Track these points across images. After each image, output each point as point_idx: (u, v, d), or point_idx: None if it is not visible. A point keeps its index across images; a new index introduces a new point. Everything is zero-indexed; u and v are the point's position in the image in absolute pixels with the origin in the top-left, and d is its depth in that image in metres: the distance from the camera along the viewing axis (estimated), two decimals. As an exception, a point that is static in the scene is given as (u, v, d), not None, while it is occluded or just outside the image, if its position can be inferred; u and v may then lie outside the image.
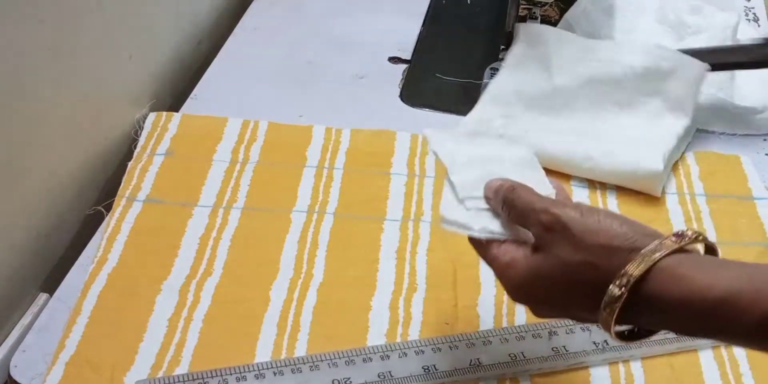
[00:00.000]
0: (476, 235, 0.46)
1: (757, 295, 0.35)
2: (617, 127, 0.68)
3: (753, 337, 0.36)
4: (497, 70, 0.81)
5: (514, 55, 0.72)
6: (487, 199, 0.47)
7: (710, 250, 0.41)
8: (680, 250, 0.38)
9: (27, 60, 0.57)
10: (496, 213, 0.46)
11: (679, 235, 0.39)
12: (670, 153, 0.66)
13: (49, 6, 0.58)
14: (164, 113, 0.74)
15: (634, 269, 0.38)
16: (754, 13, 0.90)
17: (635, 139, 0.67)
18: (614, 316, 0.38)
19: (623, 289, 0.38)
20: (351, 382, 0.51)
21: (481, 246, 0.46)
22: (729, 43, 0.76)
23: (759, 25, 0.88)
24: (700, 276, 0.37)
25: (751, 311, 0.35)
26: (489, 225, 0.46)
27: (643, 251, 0.38)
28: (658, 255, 0.38)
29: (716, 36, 0.76)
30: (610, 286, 0.38)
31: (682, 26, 0.79)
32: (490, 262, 0.45)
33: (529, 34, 0.72)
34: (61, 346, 0.54)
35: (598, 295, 0.39)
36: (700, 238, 0.39)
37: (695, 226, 0.64)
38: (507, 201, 0.45)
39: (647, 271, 0.38)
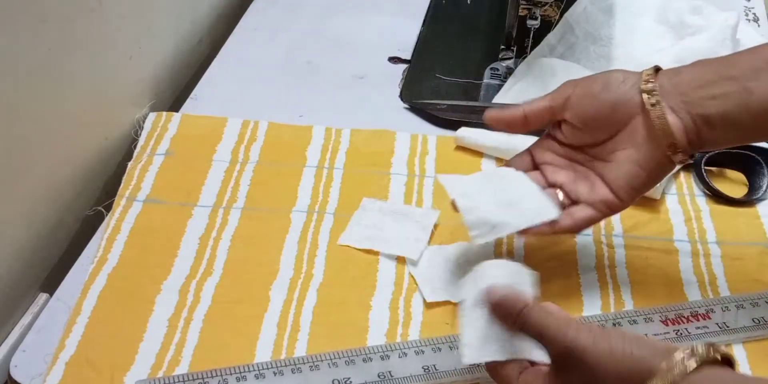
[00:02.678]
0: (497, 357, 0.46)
1: None
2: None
3: None
4: (497, 69, 0.81)
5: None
6: (494, 312, 0.46)
7: (726, 360, 0.40)
8: (702, 366, 0.38)
9: (27, 60, 0.57)
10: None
11: (689, 350, 0.38)
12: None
13: (50, 6, 0.58)
14: (164, 113, 0.74)
15: None
16: (754, 13, 0.90)
17: None
18: None
19: None
20: (351, 382, 0.51)
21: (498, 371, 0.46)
22: (729, 43, 0.76)
23: (759, 25, 0.88)
24: None
25: None
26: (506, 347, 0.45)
27: (658, 375, 0.38)
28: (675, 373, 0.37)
29: (716, 36, 0.76)
30: None
31: (682, 26, 0.79)
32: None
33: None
34: (61, 346, 0.54)
35: None
36: (712, 353, 0.39)
37: (695, 225, 0.64)
38: (519, 324, 0.44)
39: None
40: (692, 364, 0.38)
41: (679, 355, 0.38)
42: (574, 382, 0.41)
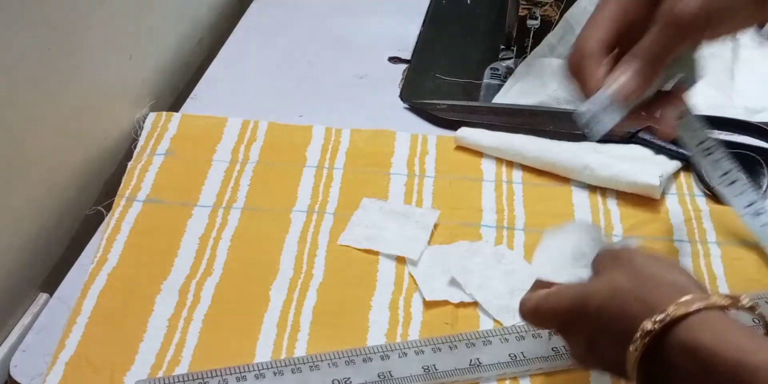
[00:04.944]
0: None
1: None
2: (617, 153, 0.69)
3: None
4: (497, 69, 0.81)
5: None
6: None
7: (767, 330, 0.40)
8: (728, 309, 0.37)
9: (27, 60, 0.57)
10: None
11: (733, 298, 0.38)
12: (668, 174, 0.67)
13: (50, 6, 0.58)
14: (164, 113, 0.74)
15: (675, 309, 0.37)
16: (754, 13, 0.90)
17: (634, 158, 0.67)
18: (639, 354, 0.37)
19: (656, 325, 0.37)
20: (351, 382, 0.51)
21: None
22: (728, 41, 0.76)
23: (758, 25, 0.88)
24: (739, 337, 0.35)
25: None
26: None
27: (690, 297, 0.37)
28: (703, 303, 0.37)
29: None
30: (645, 321, 0.37)
31: (682, 26, 0.79)
32: (534, 295, 0.45)
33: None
34: (61, 346, 0.54)
35: (632, 332, 0.38)
36: (756, 311, 0.38)
37: (695, 225, 0.64)
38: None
39: (686, 315, 0.37)
40: (724, 302, 0.37)
41: (720, 296, 0.38)
42: (610, 277, 0.41)
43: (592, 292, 0.41)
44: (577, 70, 0.48)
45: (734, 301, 0.38)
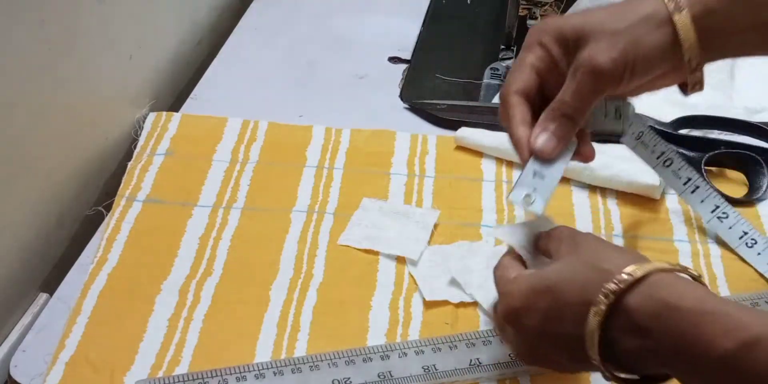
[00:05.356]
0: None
1: (743, 321, 0.36)
2: (617, 153, 0.69)
3: (719, 367, 0.36)
4: (497, 69, 0.81)
5: None
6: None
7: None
8: (675, 274, 0.40)
9: (27, 60, 0.57)
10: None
11: (679, 264, 0.41)
12: None
13: (50, 6, 0.58)
14: (164, 113, 0.74)
15: (634, 270, 0.39)
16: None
17: (634, 158, 0.67)
18: (602, 318, 0.39)
19: (621, 285, 0.39)
20: (351, 382, 0.51)
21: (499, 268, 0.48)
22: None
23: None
24: (695, 290, 0.38)
25: (734, 333, 0.35)
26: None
27: (644, 263, 0.40)
28: (656, 267, 0.40)
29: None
30: (606, 283, 0.39)
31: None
32: (499, 280, 0.47)
33: None
34: (61, 346, 0.54)
35: (589, 300, 0.40)
36: (697, 275, 0.41)
37: (695, 225, 0.64)
38: (551, 232, 0.48)
39: (645, 277, 0.39)
40: (669, 267, 0.40)
41: (664, 262, 0.40)
42: (564, 261, 0.44)
43: (548, 274, 0.43)
44: (503, 119, 0.49)
45: (683, 267, 0.41)
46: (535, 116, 0.48)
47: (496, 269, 0.48)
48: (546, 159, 0.48)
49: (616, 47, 0.44)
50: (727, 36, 0.45)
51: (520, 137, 0.48)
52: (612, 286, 0.39)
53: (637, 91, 0.49)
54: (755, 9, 0.44)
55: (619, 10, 0.46)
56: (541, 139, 0.47)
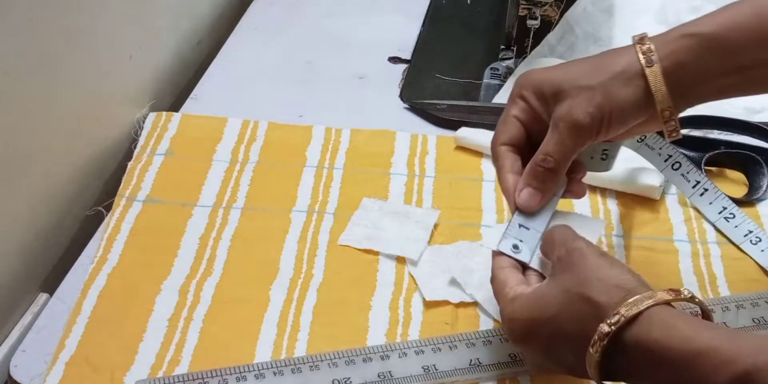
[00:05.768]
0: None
1: (733, 355, 0.37)
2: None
3: None
4: (497, 69, 0.81)
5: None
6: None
7: (705, 315, 0.44)
8: (672, 304, 0.42)
9: (27, 60, 0.57)
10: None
11: (675, 291, 0.42)
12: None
13: (50, 6, 0.58)
14: (164, 113, 0.74)
15: (627, 310, 0.41)
16: (754, 13, 0.90)
17: (634, 159, 0.67)
18: (599, 355, 0.41)
19: (612, 327, 0.40)
20: (351, 382, 0.51)
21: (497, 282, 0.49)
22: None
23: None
24: (685, 327, 0.39)
25: (725, 369, 0.37)
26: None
27: (638, 297, 0.41)
28: (651, 301, 0.41)
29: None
30: (601, 324, 0.41)
31: (682, 26, 0.79)
32: (498, 293, 0.49)
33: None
34: (61, 346, 0.54)
35: (587, 335, 0.41)
36: (696, 300, 0.42)
37: (695, 225, 0.64)
38: (547, 235, 0.50)
39: (638, 315, 0.40)
40: (669, 298, 0.41)
41: (664, 292, 0.42)
42: (560, 282, 0.45)
43: (547, 303, 0.45)
44: (495, 168, 0.52)
45: (677, 295, 0.42)
46: (525, 162, 0.51)
47: (492, 281, 0.50)
48: (529, 213, 0.51)
49: (592, 102, 0.47)
50: (702, 84, 0.47)
51: (508, 187, 0.51)
52: (605, 328, 0.41)
53: (620, 138, 0.51)
54: (727, 56, 0.46)
55: (595, 64, 0.48)
56: (524, 195, 0.50)
